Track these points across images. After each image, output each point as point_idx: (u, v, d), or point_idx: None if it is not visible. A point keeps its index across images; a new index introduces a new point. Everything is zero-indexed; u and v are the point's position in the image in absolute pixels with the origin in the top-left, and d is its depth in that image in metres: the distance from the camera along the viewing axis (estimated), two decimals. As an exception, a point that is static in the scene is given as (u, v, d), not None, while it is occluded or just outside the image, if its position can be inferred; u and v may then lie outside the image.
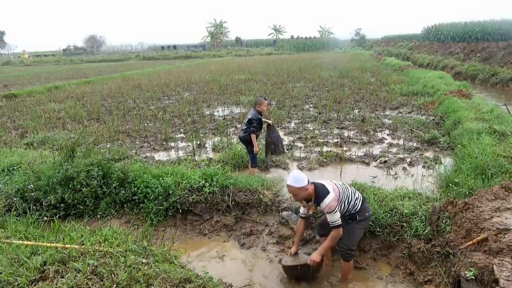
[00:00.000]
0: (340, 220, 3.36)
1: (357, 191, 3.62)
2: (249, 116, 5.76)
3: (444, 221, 3.74)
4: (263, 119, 5.87)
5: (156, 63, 37.97)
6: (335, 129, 8.69)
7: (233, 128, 9.15)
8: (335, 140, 7.81)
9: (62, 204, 4.77)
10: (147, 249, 3.30)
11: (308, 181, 3.39)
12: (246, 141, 5.83)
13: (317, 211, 4.16)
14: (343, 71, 20.27)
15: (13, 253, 3.02)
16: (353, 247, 3.53)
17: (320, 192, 3.35)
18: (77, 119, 10.67)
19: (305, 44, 65.55)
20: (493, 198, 3.66)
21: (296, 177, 3.32)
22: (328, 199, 3.28)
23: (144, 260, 3.03)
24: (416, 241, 3.78)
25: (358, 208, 3.48)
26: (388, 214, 4.05)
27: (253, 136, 5.66)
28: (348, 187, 3.61)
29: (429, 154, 6.76)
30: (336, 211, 3.31)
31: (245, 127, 5.77)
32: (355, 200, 3.49)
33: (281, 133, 8.51)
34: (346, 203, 3.44)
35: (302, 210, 3.71)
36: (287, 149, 7.18)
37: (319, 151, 7.09)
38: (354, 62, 26.59)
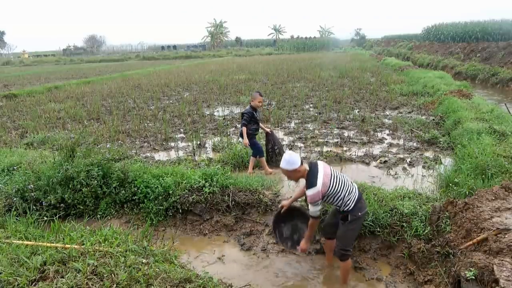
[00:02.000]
0: (319, 213, 3.44)
1: (355, 189, 3.46)
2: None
3: (444, 221, 3.74)
4: (262, 126, 6.09)
5: (156, 63, 37.97)
6: (335, 129, 8.69)
7: (233, 128, 9.15)
8: (335, 140, 7.81)
9: (62, 204, 4.78)
10: (147, 249, 3.30)
11: (302, 162, 3.40)
12: (241, 135, 5.94)
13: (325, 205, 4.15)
14: (343, 71, 20.27)
15: (13, 253, 3.02)
16: (346, 247, 3.45)
17: (309, 180, 3.36)
18: (77, 119, 10.67)
19: (305, 44, 65.54)
20: (493, 198, 3.66)
21: (288, 160, 3.35)
22: (312, 191, 3.29)
23: (144, 260, 3.03)
24: (416, 241, 3.78)
25: (350, 208, 3.38)
26: (388, 214, 4.05)
27: (243, 129, 5.76)
28: (346, 183, 3.44)
29: (429, 154, 6.76)
30: (317, 204, 3.34)
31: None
32: (348, 200, 3.37)
33: (281, 133, 8.53)
34: (334, 198, 3.37)
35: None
36: (287, 149, 7.19)
37: (319, 151, 7.08)
38: (354, 62, 26.59)
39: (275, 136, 6.52)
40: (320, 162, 3.50)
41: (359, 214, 3.42)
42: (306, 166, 3.41)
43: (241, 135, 5.92)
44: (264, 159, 6.07)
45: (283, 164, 3.38)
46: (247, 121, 5.78)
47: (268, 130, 6.24)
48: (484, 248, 3.05)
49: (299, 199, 4.18)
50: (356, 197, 3.42)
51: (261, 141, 6.52)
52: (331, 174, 3.40)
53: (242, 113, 5.87)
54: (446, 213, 3.80)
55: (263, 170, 6.04)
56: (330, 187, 3.33)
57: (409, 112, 10.18)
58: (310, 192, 3.31)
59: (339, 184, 3.38)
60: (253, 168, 6.05)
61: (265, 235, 4.50)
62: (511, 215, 3.34)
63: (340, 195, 3.36)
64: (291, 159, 3.35)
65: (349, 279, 3.66)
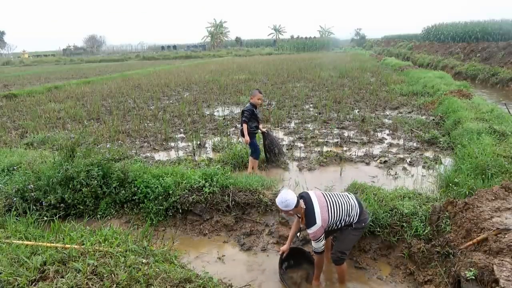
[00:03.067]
0: (323, 248, 3.36)
1: (354, 204, 3.43)
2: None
3: (444, 221, 3.74)
4: (259, 126, 6.05)
5: (156, 63, 37.97)
6: (335, 129, 8.69)
7: (233, 128, 9.15)
8: (335, 140, 7.81)
9: (62, 204, 4.78)
10: (147, 249, 3.30)
11: (298, 201, 3.29)
12: (242, 133, 5.92)
13: None
14: (343, 71, 20.26)
15: (13, 253, 3.02)
16: (345, 251, 3.45)
17: (308, 219, 3.29)
18: (77, 119, 10.67)
19: (305, 44, 65.57)
20: (493, 198, 3.66)
21: (283, 199, 3.25)
22: (313, 229, 3.24)
23: (144, 260, 3.03)
24: (416, 241, 3.78)
25: (354, 222, 3.41)
26: (388, 214, 4.05)
27: (244, 126, 5.75)
28: (344, 203, 3.39)
29: (429, 154, 6.76)
30: (320, 240, 3.29)
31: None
32: (350, 218, 3.38)
33: (281, 133, 8.53)
34: (336, 224, 3.37)
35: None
36: (287, 150, 7.19)
37: (319, 151, 7.09)
38: (354, 62, 26.59)
39: (272, 136, 6.52)
40: (312, 193, 3.42)
41: (363, 224, 3.47)
42: (302, 204, 3.30)
43: (242, 133, 5.90)
44: (257, 162, 6.06)
45: (278, 201, 3.29)
46: (248, 118, 5.77)
47: (264, 130, 6.23)
48: (484, 248, 3.05)
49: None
50: (358, 211, 3.42)
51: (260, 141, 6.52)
52: (327, 203, 3.34)
53: (243, 111, 5.86)
54: (446, 213, 3.80)
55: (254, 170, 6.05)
56: (330, 219, 3.30)
57: (409, 112, 10.18)
58: (311, 231, 3.25)
59: (337, 210, 3.34)
60: (252, 168, 6.05)
61: (265, 235, 4.50)
62: (511, 215, 3.34)
63: (341, 219, 3.36)
64: (286, 201, 3.23)
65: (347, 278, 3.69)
